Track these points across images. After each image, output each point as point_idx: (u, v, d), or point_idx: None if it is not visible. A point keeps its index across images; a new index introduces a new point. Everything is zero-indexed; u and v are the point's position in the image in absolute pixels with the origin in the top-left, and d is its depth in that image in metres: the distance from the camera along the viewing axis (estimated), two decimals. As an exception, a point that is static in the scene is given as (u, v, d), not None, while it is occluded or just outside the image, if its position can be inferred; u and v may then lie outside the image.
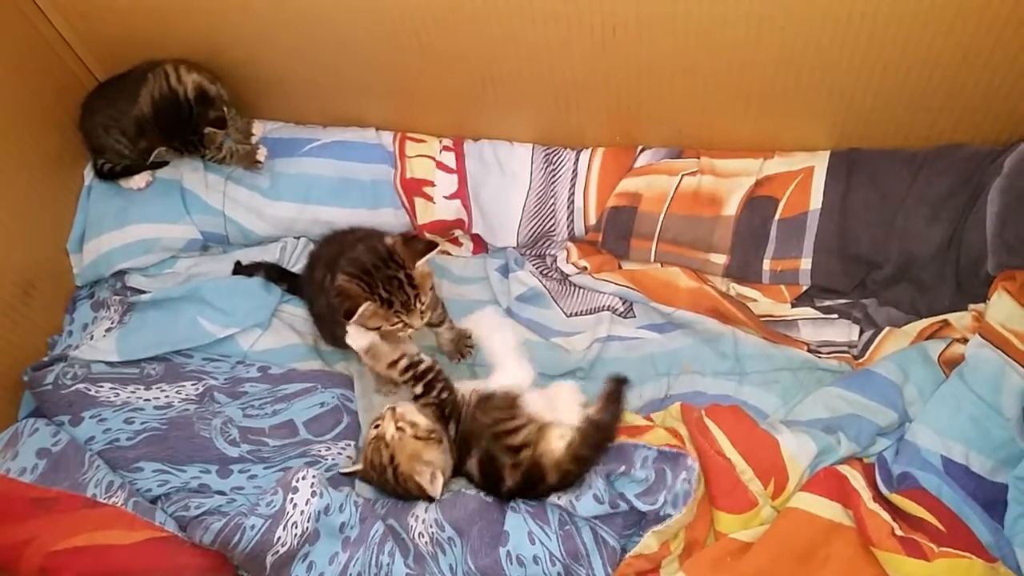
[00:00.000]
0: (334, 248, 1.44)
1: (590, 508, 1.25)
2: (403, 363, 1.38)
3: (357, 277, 1.34)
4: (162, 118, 1.54)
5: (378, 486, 1.42)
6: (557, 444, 1.31)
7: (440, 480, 1.34)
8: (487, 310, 1.60)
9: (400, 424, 1.37)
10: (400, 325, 1.37)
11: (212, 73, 1.59)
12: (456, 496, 1.36)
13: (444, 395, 1.38)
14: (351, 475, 1.43)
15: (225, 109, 1.58)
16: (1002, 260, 1.38)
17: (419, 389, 1.38)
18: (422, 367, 1.38)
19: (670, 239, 1.59)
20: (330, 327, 1.54)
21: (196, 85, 1.54)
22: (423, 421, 1.37)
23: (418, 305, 1.36)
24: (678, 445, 1.28)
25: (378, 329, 1.37)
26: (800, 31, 1.34)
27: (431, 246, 1.36)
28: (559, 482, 1.30)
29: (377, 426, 1.39)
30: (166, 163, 1.68)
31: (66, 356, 1.54)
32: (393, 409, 1.39)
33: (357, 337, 1.38)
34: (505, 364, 1.43)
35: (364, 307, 1.31)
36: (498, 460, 1.33)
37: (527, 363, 1.43)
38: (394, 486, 1.37)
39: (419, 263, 1.35)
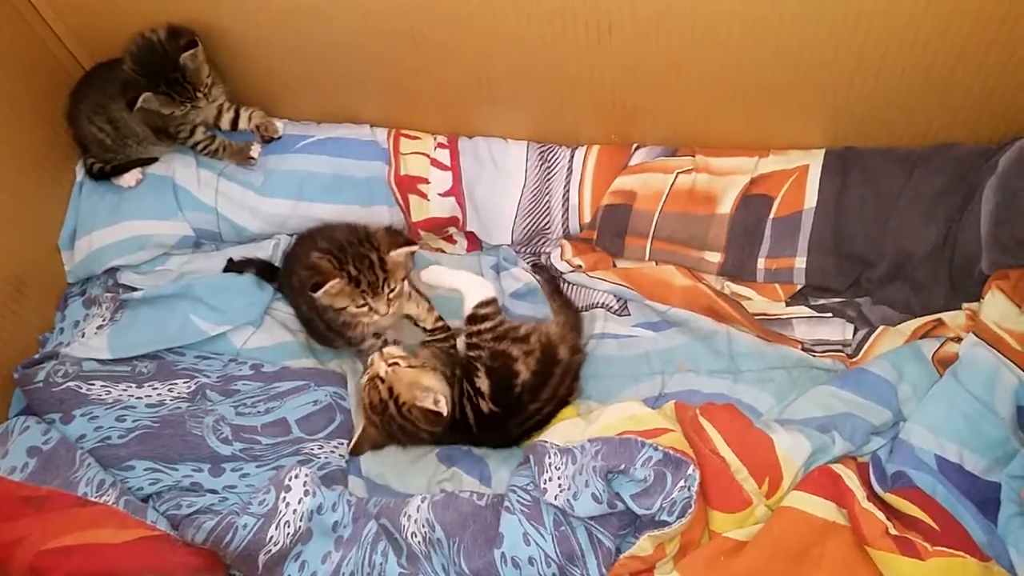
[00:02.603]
0: (309, 249, 1.45)
1: (588, 508, 1.24)
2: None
3: (329, 253, 1.37)
4: (141, 64, 1.52)
5: (383, 430, 1.42)
6: (551, 326, 1.49)
7: (443, 401, 1.37)
8: (431, 267, 1.60)
9: (391, 361, 1.41)
10: (365, 308, 1.39)
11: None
12: (449, 498, 1.36)
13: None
14: (355, 449, 1.42)
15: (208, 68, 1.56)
16: (996, 259, 1.38)
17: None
18: None
19: (665, 237, 1.59)
20: (318, 327, 1.54)
21: (168, 27, 1.52)
22: (412, 355, 1.45)
23: (386, 290, 1.39)
24: (685, 452, 1.27)
25: (343, 310, 1.39)
26: (795, 30, 1.34)
27: (411, 242, 1.42)
28: (568, 357, 1.45)
29: (368, 375, 1.42)
30: (155, 159, 1.67)
31: (57, 354, 1.53)
32: (380, 351, 1.44)
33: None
34: (469, 287, 1.50)
35: (331, 283, 1.34)
36: (509, 356, 1.42)
37: (482, 279, 1.55)
38: (400, 422, 1.39)
39: (394, 252, 1.38)
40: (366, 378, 1.42)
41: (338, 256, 1.37)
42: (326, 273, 1.35)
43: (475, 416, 1.42)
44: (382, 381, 1.39)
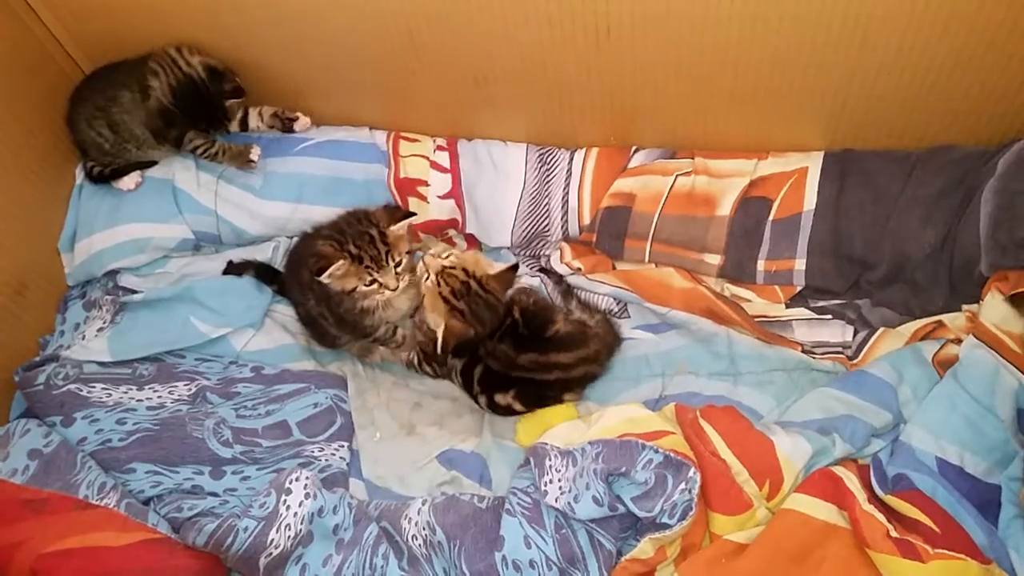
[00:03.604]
0: (313, 241, 1.46)
1: (590, 511, 1.24)
2: None
3: (331, 238, 1.40)
4: (186, 104, 1.55)
5: (469, 313, 1.42)
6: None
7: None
8: None
9: (446, 253, 1.46)
10: (375, 285, 1.40)
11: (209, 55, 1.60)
12: (450, 501, 1.36)
13: None
14: (444, 345, 1.41)
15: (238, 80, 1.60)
16: (995, 260, 1.38)
17: None
18: None
19: (664, 239, 1.59)
20: (327, 322, 1.54)
21: (204, 65, 1.55)
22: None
23: (391, 263, 1.41)
24: (686, 454, 1.27)
25: (354, 291, 1.41)
26: (794, 32, 1.34)
27: (409, 214, 1.44)
28: (593, 354, 1.49)
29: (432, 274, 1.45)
30: (155, 163, 1.67)
31: (58, 356, 1.53)
32: (422, 258, 1.48)
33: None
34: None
35: (336, 265, 1.35)
36: (552, 310, 1.53)
37: None
38: (484, 297, 1.42)
39: (394, 226, 1.40)
40: (431, 277, 1.43)
41: (339, 239, 1.39)
42: (329, 256, 1.37)
43: (506, 328, 1.47)
44: (453, 268, 1.42)
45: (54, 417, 1.44)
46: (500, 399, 1.48)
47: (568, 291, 1.62)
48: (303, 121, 1.69)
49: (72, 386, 1.46)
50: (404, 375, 1.63)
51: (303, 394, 1.52)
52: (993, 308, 1.35)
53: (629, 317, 1.60)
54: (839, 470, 1.29)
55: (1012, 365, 1.30)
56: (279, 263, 1.66)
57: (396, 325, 1.53)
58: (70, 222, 1.68)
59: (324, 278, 1.37)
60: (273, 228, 1.67)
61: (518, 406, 1.48)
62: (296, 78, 1.64)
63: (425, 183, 1.67)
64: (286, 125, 1.69)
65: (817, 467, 1.30)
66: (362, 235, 1.39)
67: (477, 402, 1.52)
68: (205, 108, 1.56)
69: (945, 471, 1.26)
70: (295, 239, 1.66)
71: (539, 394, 1.48)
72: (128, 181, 1.66)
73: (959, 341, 1.38)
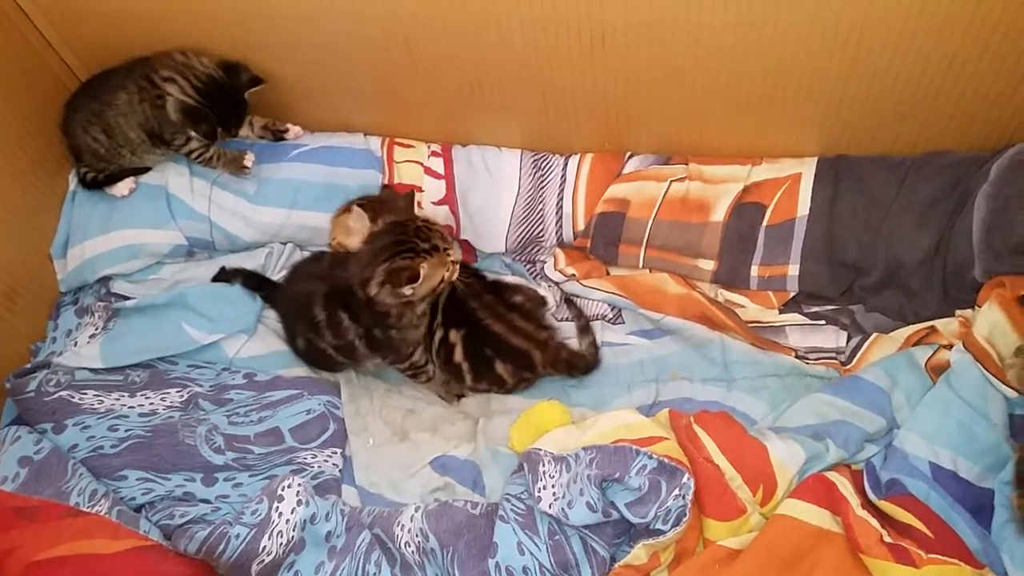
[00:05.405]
0: (316, 284, 1.49)
1: (583, 517, 1.24)
2: None
3: (399, 254, 1.37)
4: (215, 101, 1.54)
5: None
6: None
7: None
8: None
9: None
10: (450, 262, 1.42)
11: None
12: (443, 507, 1.36)
13: None
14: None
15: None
16: (989, 266, 1.39)
17: None
18: None
19: (658, 245, 1.59)
20: (325, 356, 1.54)
21: (217, 62, 1.54)
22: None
23: (448, 237, 1.45)
24: (679, 460, 1.26)
25: (441, 283, 1.41)
26: (788, 38, 1.34)
27: (411, 195, 1.47)
28: (546, 341, 1.53)
29: None
30: (148, 169, 1.67)
31: (49, 363, 1.52)
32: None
33: None
34: None
35: (423, 268, 1.36)
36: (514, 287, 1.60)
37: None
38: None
39: (417, 212, 1.45)
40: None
41: (406, 247, 1.38)
42: (411, 267, 1.35)
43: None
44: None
45: (45, 424, 1.43)
46: (452, 336, 1.49)
47: (568, 302, 1.62)
48: (294, 131, 1.69)
49: (63, 393, 1.45)
50: (397, 381, 1.62)
51: (296, 400, 1.52)
52: (988, 318, 1.35)
53: (623, 323, 1.60)
54: (833, 475, 1.29)
55: (997, 379, 1.30)
56: (272, 269, 1.66)
57: (427, 360, 1.53)
58: (63, 228, 1.68)
59: (419, 285, 1.36)
60: (267, 234, 1.67)
61: (459, 353, 1.50)
62: (291, 84, 1.64)
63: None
64: (276, 136, 1.69)
65: (811, 472, 1.30)
66: (419, 230, 1.39)
67: (430, 351, 1.53)
68: (228, 103, 1.55)
69: (938, 476, 1.26)
70: (301, 245, 1.68)
71: (480, 347, 1.50)
72: (122, 187, 1.65)
73: (952, 346, 1.38)
